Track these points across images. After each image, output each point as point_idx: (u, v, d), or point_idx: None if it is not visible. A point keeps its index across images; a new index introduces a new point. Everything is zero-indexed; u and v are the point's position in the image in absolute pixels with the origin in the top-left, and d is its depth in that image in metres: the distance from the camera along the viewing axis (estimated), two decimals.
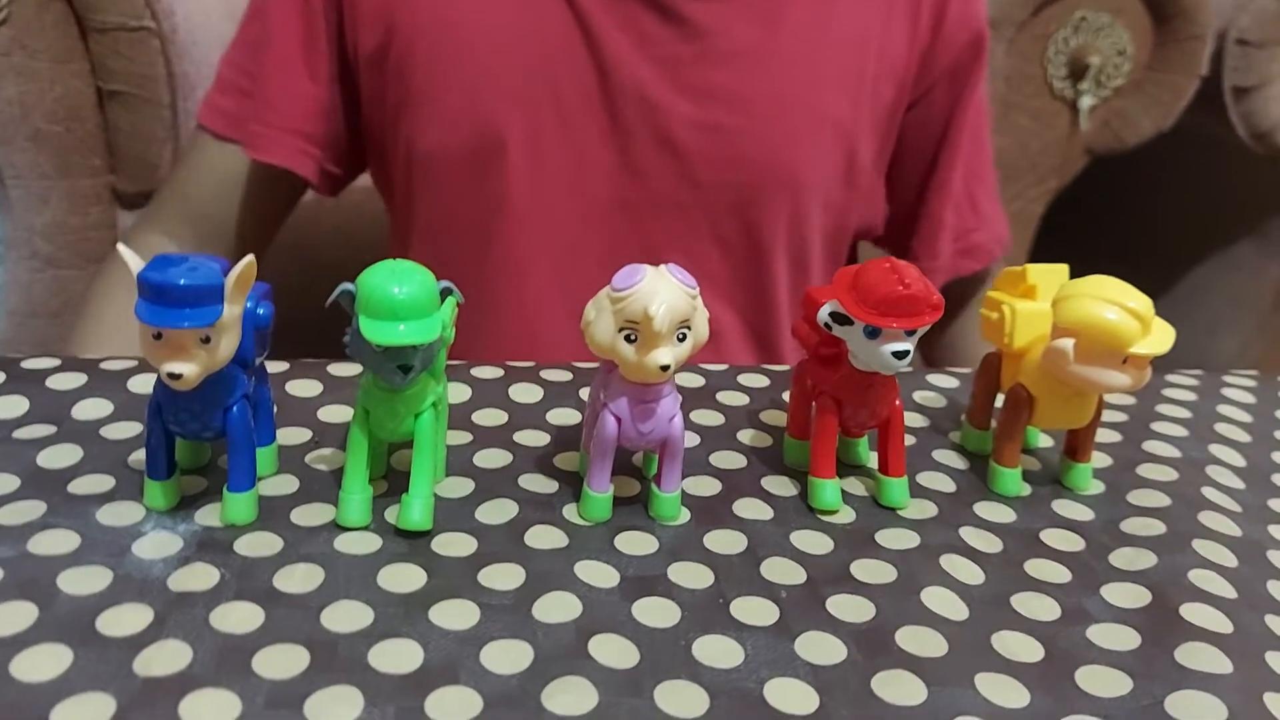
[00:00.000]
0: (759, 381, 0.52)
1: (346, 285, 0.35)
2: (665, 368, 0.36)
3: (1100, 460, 0.46)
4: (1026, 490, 0.44)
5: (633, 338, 0.36)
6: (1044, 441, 0.48)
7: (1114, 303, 0.39)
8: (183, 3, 1.07)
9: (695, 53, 0.66)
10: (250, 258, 0.34)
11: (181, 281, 0.33)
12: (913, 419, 0.49)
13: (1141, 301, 0.39)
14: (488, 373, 0.51)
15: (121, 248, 0.34)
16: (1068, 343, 0.40)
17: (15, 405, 0.44)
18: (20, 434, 0.42)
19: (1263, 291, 0.79)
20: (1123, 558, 0.40)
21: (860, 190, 0.72)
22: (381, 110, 0.70)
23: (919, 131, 0.74)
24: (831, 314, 0.39)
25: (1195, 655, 0.35)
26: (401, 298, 0.35)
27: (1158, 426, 0.51)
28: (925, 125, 0.74)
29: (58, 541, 0.36)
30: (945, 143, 0.74)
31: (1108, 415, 0.51)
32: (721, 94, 0.67)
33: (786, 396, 0.50)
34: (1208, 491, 0.45)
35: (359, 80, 0.71)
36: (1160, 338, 0.39)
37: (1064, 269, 0.45)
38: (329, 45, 0.70)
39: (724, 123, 0.67)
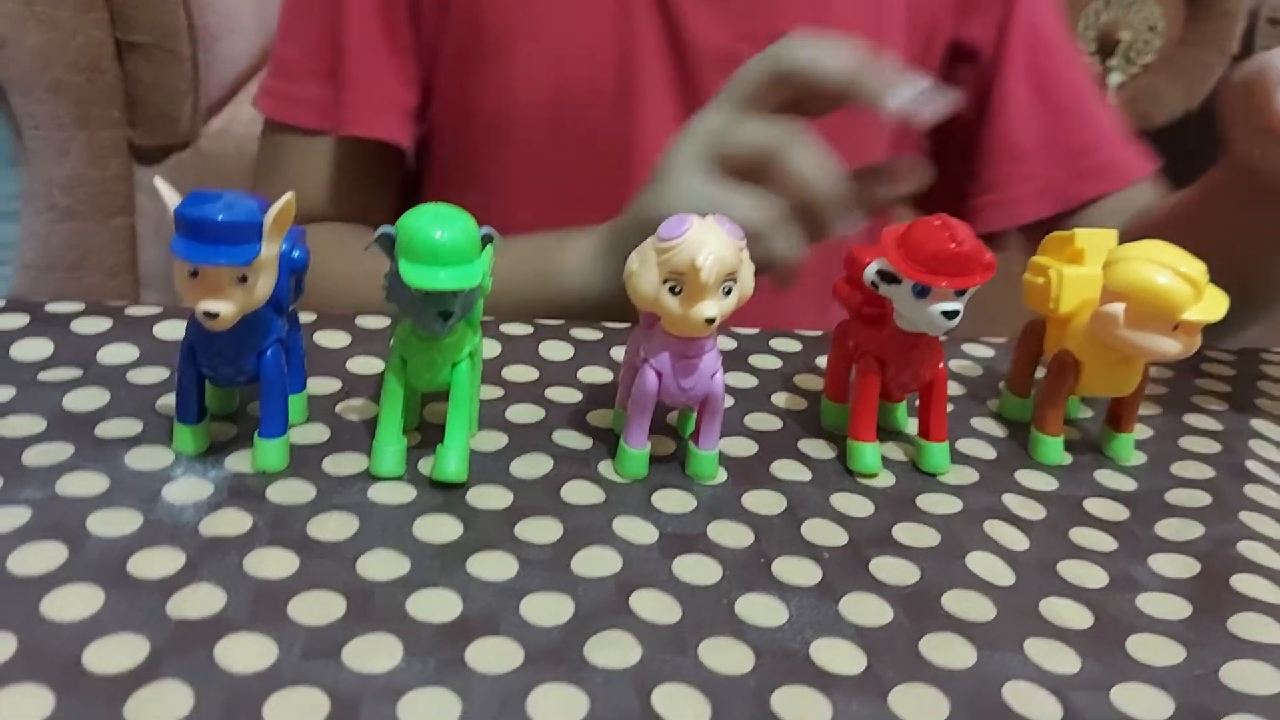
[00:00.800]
0: (792, 346, 0.51)
1: (386, 228, 0.34)
2: (711, 320, 0.36)
3: (1141, 432, 0.46)
4: (1068, 459, 0.43)
5: (678, 289, 0.36)
6: (1084, 413, 0.47)
7: (1167, 266, 0.38)
8: None
9: (762, 3, 0.65)
10: (290, 195, 0.33)
11: (220, 218, 0.32)
12: (950, 388, 0.48)
13: (1195, 267, 0.38)
14: (517, 329, 0.50)
15: (159, 181, 0.33)
16: (1118, 307, 0.39)
17: (41, 348, 0.44)
18: (46, 376, 0.42)
19: None
20: (1169, 528, 0.39)
21: None
22: (436, 60, 0.68)
23: (972, 52, 0.72)
24: (879, 272, 0.38)
25: (1248, 625, 0.34)
26: (443, 242, 0.34)
27: (1197, 400, 0.50)
28: (978, 46, 0.71)
29: (87, 483, 0.35)
30: (1003, 58, 0.70)
31: (1148, 389, 0.50)
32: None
33: (820, 361, 0.49)
34: (1251, 464, 0.44)
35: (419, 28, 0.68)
36: (1213, 304, 0.38)
37: (1113, 234, 0.43)
38: (406, 5, 0.67)
39: None
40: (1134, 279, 0.38)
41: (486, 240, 0.36)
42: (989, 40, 0.71)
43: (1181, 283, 0.38)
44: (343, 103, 0.66)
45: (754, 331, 0.53)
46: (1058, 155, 0.71)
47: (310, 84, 0.67)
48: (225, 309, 0.33)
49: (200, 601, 0.30)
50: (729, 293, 0.36)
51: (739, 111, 0.52)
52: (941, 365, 0.41)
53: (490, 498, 0.37)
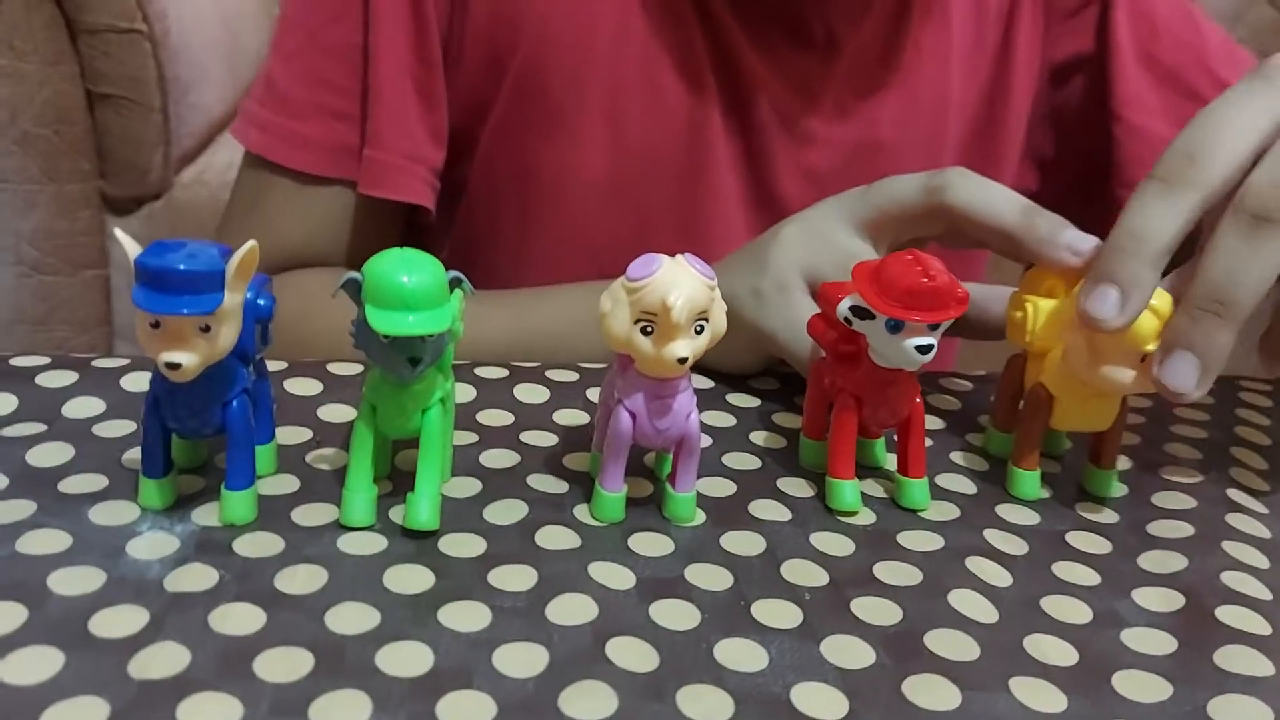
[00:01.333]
0: (769, 384, 0.51)
1: (353, 274, 0.34)
2: (683, 360, 0.35)
3: (1121, 463, 0.45)
4: (1046, 493, 0.43)
5: (649, 330, 0.35)
6: (1066, 446, 0.47)
7: None
8: (175, 5, 1.06)
9: (832, 74, 0.64)
10: (252, 243, 0.33)
11: (181, 267, 0.31)
12: (930, 421, 0.48)
13: (1162, 299, 0.38)
14: (492, 373, 0.49)
15: (119, 233, 0.32)
16: (1082, 337, 0.39)
17: (4, 403, 0.43)
18: (9, 432, 0.41)
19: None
20: (1152, 560, 0.39)
21: (1005, 164, 0.70)
22: (480, 119, 0.64)
23: (1076, 63, 0.69)
24: (852, 308, 0.38)
25: (1235, 659, 0.33)
26: (411, 287, 0.33)
27: (1177, 429, 0.50)
28: (1079, 56, 0.69)
29: (49, 541, 0.34)
30: (1111, 60, 0.67)
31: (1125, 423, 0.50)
32: (860, 112, 0.65)
33: (799, 400, 0.49)
34: (1233, 493, 0.44)
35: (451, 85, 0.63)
36: None
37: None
38: (441, 52, 0.62)
39: (864, 139, 0.65)
40: None
41: (455, 284, 0.35)
42: (1089, 48, 0.68)
43: (1147, 313, 0.37)
44: (370, 160, 0.61)
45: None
46: None
47: (316, 123, 0.61)
48: (188, 360, 0.32)
49: (164, 661, 0.29)
50: (701, 331, 0.36)
51: (861, 233, 0.49)
52: (918, 400, 0.41)
53: (463, 545, 0.36)
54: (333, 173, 0.62)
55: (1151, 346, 0.38)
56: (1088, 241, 0.42)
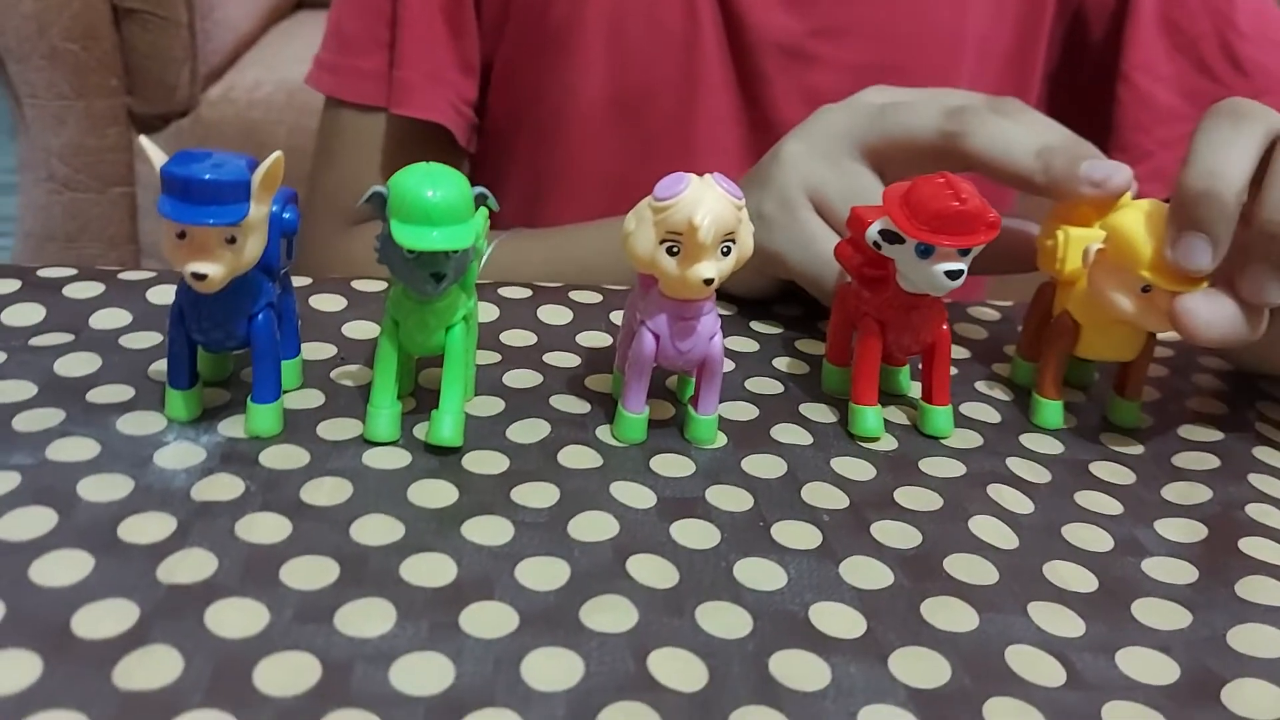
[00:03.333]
0: (793, 310, 0.51)
1: (378, 187, 0.34)
2: (709, 281, 0.35)
3: (1148, 394, 0.45)
4: (1072, 422, 0.43)
5: (675, 250, 0.35)
6: (1094, 378, 0.47)
7: (1153, 220, 0.37)
8: None
9: None
10: (278, 154, 0.33)
11: (207, 177, 0.31)
12: (956, 351, 0.48)
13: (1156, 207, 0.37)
14: (515, 293, 0.49)
15: (144, 140, 0.32)
16: (1095, 245, 0.38)
17: (32, 313, 0.43)
18: (37, 342, 0.41)
19: None
20: (1176, 491, 0.39)
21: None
22: (493, 48, 0.66)
23: (1096, 15, 0.68)
24: (881, 231, 0.38)
25: (1256, 589, 0.33)
26: (435, 201, 0.33)
27: (1205, 360, 0.49)
28: (1100, 9, 0.67)
29: (77, 449, 0.35)
30: (1129, 19, 0.66)
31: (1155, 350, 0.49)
32: (863, 30, 0.63)
33: (823, 326, 0.49)
34: (1260, 426, 0.44)
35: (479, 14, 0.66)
36: (1192, 280, 0.37)
37: (1126, 196, 0.43)
38: None
39: (868, 61, 0.63)
40: (1115, 220, 0.38)
41: (480, 201, 0.35)
42: (1111, 2, 0.67)
43: (1155, 242, 0.36)
44: (395, 80, 0.63)
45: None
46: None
47: (370, 56, 0.64)
48: (214, 270, 0.32)
49: (191, 566, 0.30)
50: (728, 253, 0.36)
51: (865, 157, 0.48)
52: (944, 327, 0.41)
53: (486, 462, 0.36)
54: (385, 101, 0.64)
55: (1146, 273, 0.37)
56: (1102, 169, 0.41)
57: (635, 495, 0.35)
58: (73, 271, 0.47)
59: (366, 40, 0.64)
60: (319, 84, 0.67)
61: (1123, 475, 0.39)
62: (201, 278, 0.32)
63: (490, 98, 0.67)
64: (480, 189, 0.35)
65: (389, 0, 0.64)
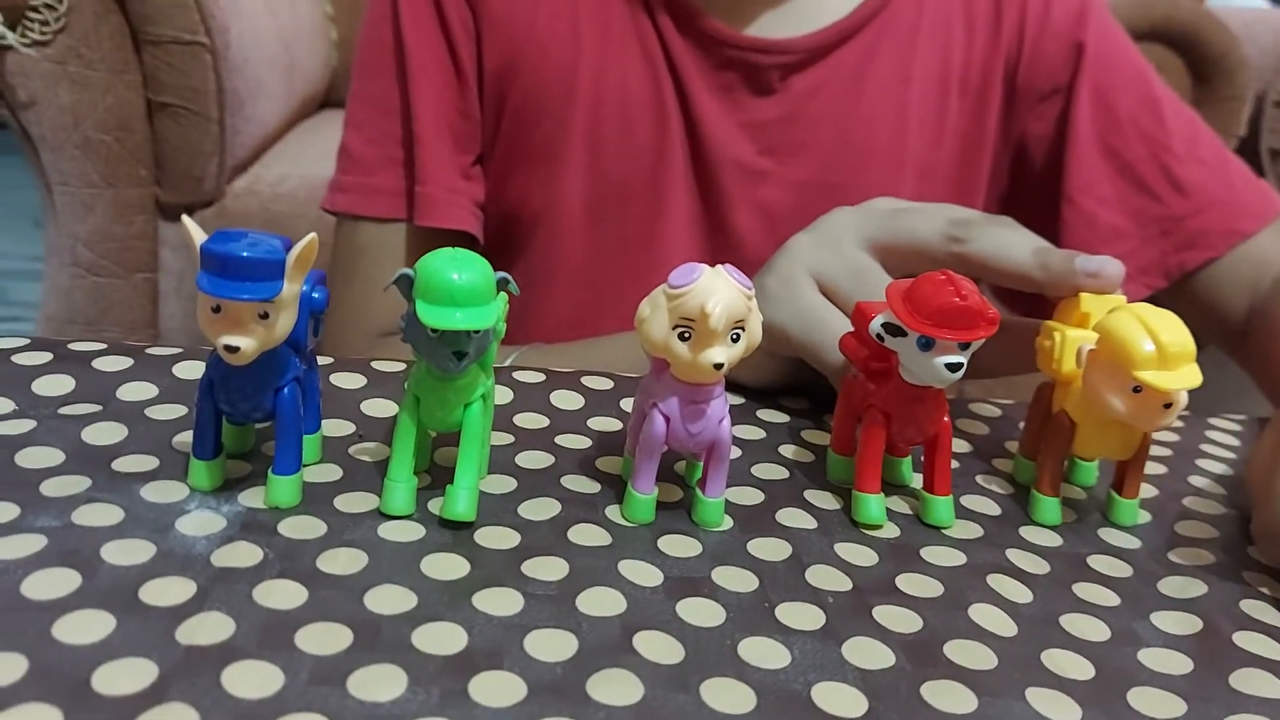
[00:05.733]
0: (800, 403, 0.52)
1: (405, 270, 0.35)
2: (719, 366, 0.36)
3: (1146, 491, 0.46)
4: (1071, 517, 0.44)
5: (687, 335, 0.36)
6: (1095, 477, 0.48)
7: (1143, 322, 0.38)
8: (236, 20, 1.10)
9: (783, 116, 0.68)
10: (313, 236, 0.34)
11: (244, 254, 0.33)
12: (957, 445, 0.49)
13: (1175, 336, 0.38)
14: (529, 377, 0.51)
15: (186, 219, 0.34)
16: (1088, 346, 0.40)
17: (62, 384, 0.45)
18: (66, 411, 0.43)
19: None
20: (1172, 585, 0.39)
21: None
22: (487, 159, 0.71)
23: (1036, 145, 0.72)
24: (885, 325, 0.39)
25: (1251, 681, 0.34)
26: (460, 284, 0.35)
27: (1202, 463, 0.50)
28: (1040, 139, 0.72)
29: (102, 514, 0.36)
30: (1068, 148, 0.70)
31: (1153, 449, 0.50)
32: (809, 152, 0.68)
33: (828, 418, 0.50)
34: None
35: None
36: (1178, 377, 0.38)
37: (1120, 298, 0.44)
38: (477, 100, 0.70)
39: (812, 180, 0.68)
40: (1107, 322, 0.39)
41: (502, 284, 0.37)
42: (1050, 132, 0.72)
43: (1146, 339, 0.38)
44: (418, 195, 0.68)
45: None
46: (1150, 230, 0.70)
47: (384, 174, 0.69)
48: (246, 344, 0.34)
49: (209, 629, 0.31)
50: (737, 339, 0.37)
51: (872, 253, 0.51)
52: (946, 419, 0.42)
53: (498, 538, 0.37)
54: (403, 214, 0.69)
55: (1140, 374, 0.38)
56: (1095, 262, 0.45)
57: (643, 574, 0.36)
58: (102, 346, 0.48)
59: (380, 160, 0.69)
60: (336, 205, 0.71)
61: (1120, 569, 0.40)
62: (234, 350, 0.34)
63: (484, 200, 0.72)
64: (502, 274, 0.37)
65: (398, 124, 0.68)
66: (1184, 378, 0.38)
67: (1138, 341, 0.38)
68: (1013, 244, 0.48)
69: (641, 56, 0.68)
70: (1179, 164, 0.71)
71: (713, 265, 0.63)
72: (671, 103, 0.68)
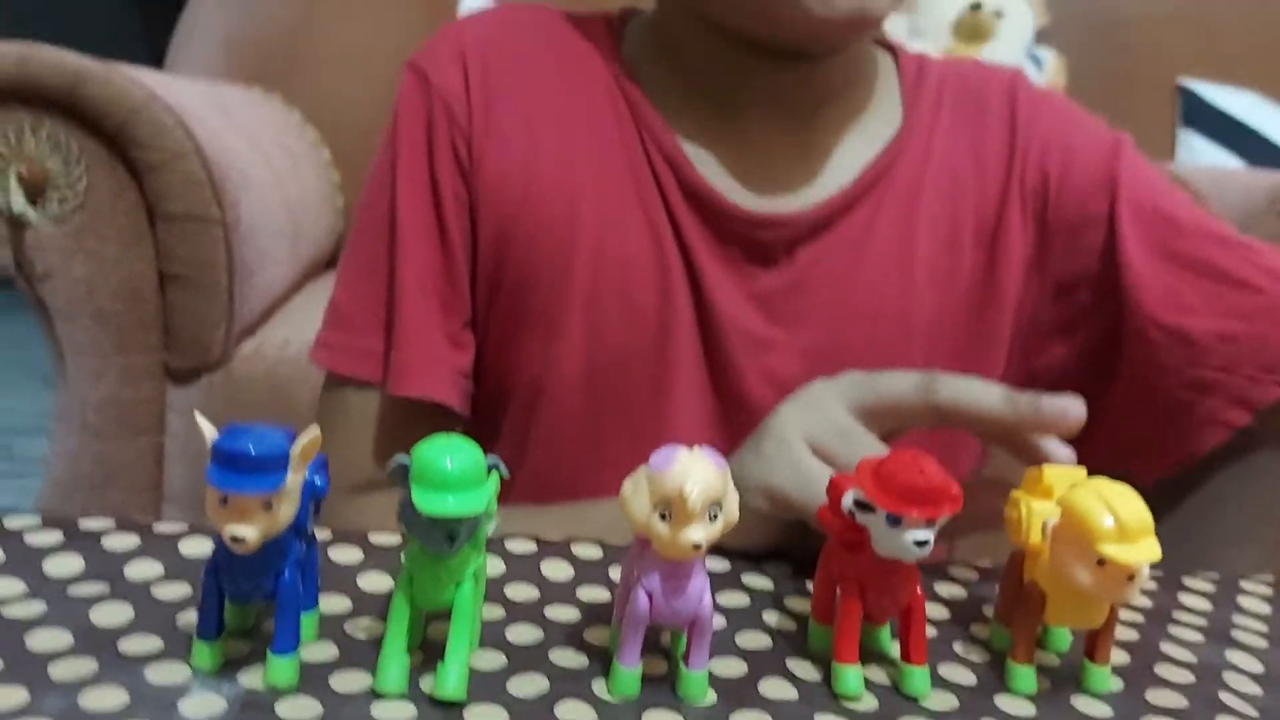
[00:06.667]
0: (783, 569, 0.54)
1: (401, 457, 0.38)
2: (697, 545, 0.38)
3: (1118, 656, 0.47)
4: (1045, 684, 0.45)
5: (667, 515, 0.39)
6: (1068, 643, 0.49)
7: (1103, 498, 0.41)
8: (246, 194, 1.15)
9: (789, 285, 0.69)
10: (315, 429, 0.37)
11: (251, 450, 0.35)
12: (936, 610, 0.51)
13: (1134, 511, 0.40)
14: (521, 547, 0.52)
15: (199, 416, 0.37)
16: (1051, 520, 0.42)
17: (71, 564, 0.46)
18: (75, 591, 0.44)
19: None
20: None
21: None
22: (485, 325, 0.71)
23: (1084, 284, 0.71)
24: (855, 502, 0.41)
25: None
26: (452, 470, 0.37)
27: (1174, 630, 0.51)
28: (1085, 275, 0.70)
29: (107, 697, 0.37)
30: (1124, 273, 0.67)
31: (1126, 614, 0.52)
32: (816, 320, 0.69)
33: (810, 584, 0.51)
34: (1224, 696, 0.46)
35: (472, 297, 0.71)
36: (1139, 550, 0.40)
37: (1081, 471, 0.47)
38: (467, 270, 0.70)
39: (820, 346, 0.69)
40: (1068, 498, 0.42)
41: (492, 468, 0.39)
42: (1094, 267, 0.70)
43: (1105, 515, 0.40)
44: (392, 361, 0.68)
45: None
46: (1259, 324, 0.66)
47: (369, 336, 0.69)
48: (251, 534, 0.36)
49: None
50: (715, 518, 0.39)
51: (854, 415, 0.54)
52: (919, 591, 0.43)
53: (487, 716, 0.39)
54: (383, 379, 0.68)
55: (1102, 548, 0.40)
56: (1060, 404, 0.48)
57: None
58: (110, 523, 0.50)
59: (365, 322, 0.69)
60: (320, 360, 0.71)
61: None
62: (240, 540, 0.36)
63: (481, 369, 0.72)
64: (493, 458, 0.39)
65: (385, 285, 0.69)
66: (1145, 551, 0.40)
67: (1099, 517, 0.40)
68: (981, 389, 0.51)
69: (646, 227, 0.68)
70: (1263, 254, 0.67)
71: (725, 430, 0.65)
72: (678, 271, 0.68)
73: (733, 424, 0.59)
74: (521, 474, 0.72)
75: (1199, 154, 1.84)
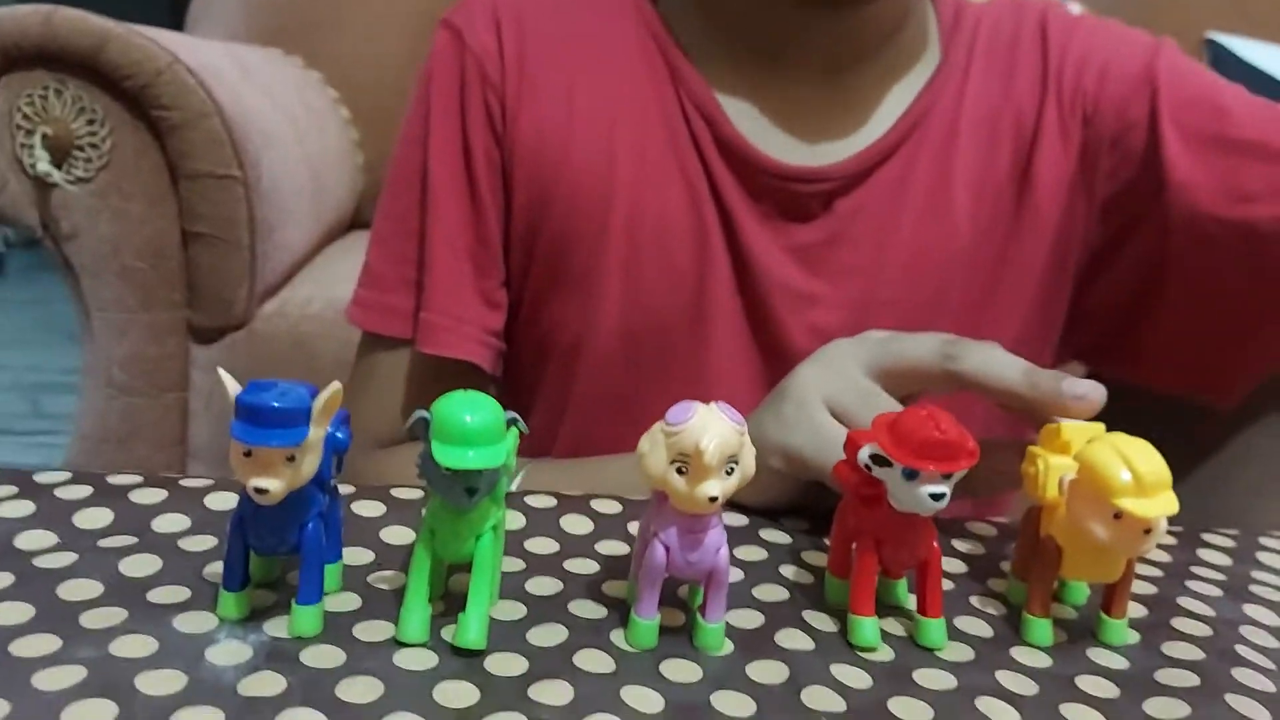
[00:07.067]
0: (801, 524, 0.54)
1: (422, 412, 0.38)
2: (714, 499, 0.39)
3: (1135, 610, 0.47)
4: (1062, 637, 0.45)
5: (684, 470, 0.39)
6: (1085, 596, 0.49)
7: (1119, 452, 0.41)
8: (267, 152, 1.16)
9: (827, 238, 0.69)
10: (336, 385, 0.37)
11: (274, 404, 0.36)
12: (953, 565, 0.51)
13: (1151, 465, 0.40)
14: (541, 502, 0.53)
15: (222, 372, 0.37)
16: (1069, 475, 0.42)
17: (101, 516, 0.47)
18: (105, 543, 0.45)
19: None
20: (1157, 707, 0.41)
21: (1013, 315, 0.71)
22: (521, 286, 0.72)
23: (1130, 196, 0.69)
24: (871, 456, 0.42)
25: None
26: (472, 425, 0.37)
27: (1192, 584, 0.52)
28: (1130, 187, 0.69)
29: (137, 646, 0.38)
30: (1169, 173, 0.66)
31: (1144, 569, 0.52)
32: (858, 272, 0.69)
33: (827, 539, 0.52)
34: (1241, 649, 0.46)
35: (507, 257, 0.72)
36: (1156, 504, 0.40)
37: (1099, 426, 0.46)
38: (499, 229, 0.70)
39: (863, 298, 0.69)
40: (1086, 453, 0.41)
41: (511, 423, 0.40)
42: (1140, 175, 0.68)
43: (1122, 469, 0.40)
44: (422, 321, 0.69)
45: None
46: None
47: (399, 295, 0.70)
48: (275, 486, 0.37)
49: None
50: (731, 473, 0.40)
51: (874, 378, 0.54)
52: (935, 545, 0.44)
53: (507, 664, 0.39)
54: (414, 336, 0.69)
55: (1119, 502, 0.40)
56: (1082, 386, 0.47)
57: (644, 699, 0.38)
58: (139, 479, 0.51)
59: (396, 280, 0.70)
60: (353, 318, 0.73)
61: (1107, 689, 0.42)
62: (264, 492, 0.36)
63: (517, 330, 0.72)
64: (511, 414, 0.40)
65: (415, 246, 0.70)
66: (1162, 505, 0.40)
67: (1116, 471, 0.40)
68: (1003, 363, 0.50)
69: (683, 185, 0.68)
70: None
71: (768, 386, 0.65)
72: (715, 229, 0.68)
73: (776, 379, 0.59)
74: (561, 434, 0.72)
75: None
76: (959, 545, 0.53)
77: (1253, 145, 0.65)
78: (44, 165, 1.04)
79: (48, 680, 0.36)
